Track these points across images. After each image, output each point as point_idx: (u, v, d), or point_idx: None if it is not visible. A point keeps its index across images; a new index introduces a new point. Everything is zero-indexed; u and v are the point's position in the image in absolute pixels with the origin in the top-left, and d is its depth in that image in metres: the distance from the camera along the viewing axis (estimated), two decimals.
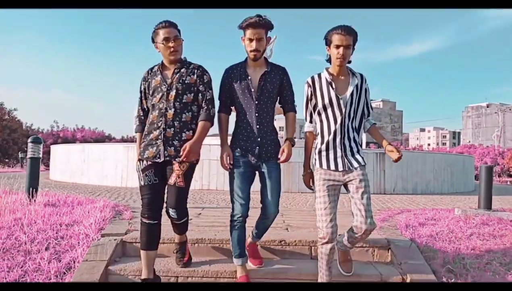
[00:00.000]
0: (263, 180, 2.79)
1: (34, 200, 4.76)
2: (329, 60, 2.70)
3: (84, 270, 2.85)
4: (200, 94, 2.74)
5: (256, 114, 2.74)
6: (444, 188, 10.14)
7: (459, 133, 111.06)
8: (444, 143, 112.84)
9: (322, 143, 2.70)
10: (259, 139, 2.74)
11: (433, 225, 4.24)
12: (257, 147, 2.74)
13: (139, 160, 2.76)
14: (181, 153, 2.59)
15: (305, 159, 2.81)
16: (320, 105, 2.70)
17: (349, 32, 2.56)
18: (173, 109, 2.66)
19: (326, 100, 2.67)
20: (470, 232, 3.97)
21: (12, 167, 21.83)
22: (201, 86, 2.73)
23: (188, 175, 2.68)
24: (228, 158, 2.71)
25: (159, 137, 2.67)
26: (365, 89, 2.74)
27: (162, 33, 2.65)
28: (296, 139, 2.92)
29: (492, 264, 3.20)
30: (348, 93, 2.65)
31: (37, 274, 2.91)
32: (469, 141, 77.74)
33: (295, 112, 2.91)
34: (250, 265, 2.97)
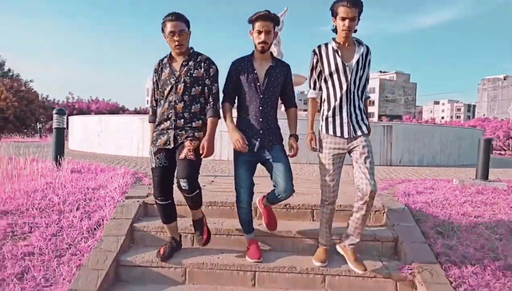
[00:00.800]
0: (272, 166, 2.89)
1: (61, 167, 5.17)
2: (335, 30, 2.79)
3: (112, 227, 3.26)
4: (206, 88, 2.85)
5: (260, 108, 2.86)
6: (451, 160, 10.31)
7: (474, 106, 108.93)
8: (458, 117, 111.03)
9: (329, 109, 2.82)
10: (261, 131, 2.87)
11: (430, 193, 4.53)
12: (259, 139, 2.87)
13: (151, 143, 2.93)
14: (200, 150, 2.76)
15: (309, 121, 2.95)
16: (326, 72, 2.79)
17: (355, 4, 2.62)
18: (182, 103, 2.80)
19: (333, 67, 2.76)
20: (464, 200, 4.25)
21: (31, 137, 22.50)
22: (207, 80, 2.84)
23: (198, 151, 2.80)
24: (242, 139, 2.78)
25: (170, 127, 2.82)
26: (369, 60, 2.83)
27: (169, 26, 2.73)
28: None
29: (479, 227, 3.51)
30: (354, 60, 2.75)
31: (71, 229, 3.33)
32: (484, 115, 76.39)
33: (296, 107, 3.07)
34: (264, 227, 3.23)
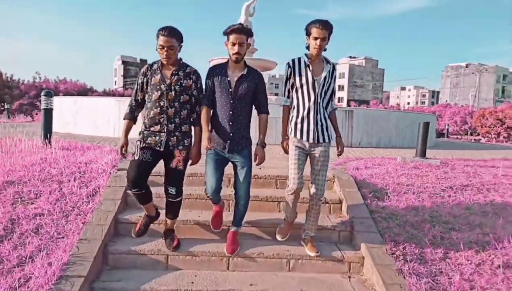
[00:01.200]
0: (236, 169, 3.23)
1: (50, 145, 5.66)
2: (308, 48, 3.17)
3: (109, 193, 3.89)
4: (193, 98, 3.14)
5: (230, 112, 3.09)
6: (405, 143, 11.36)
7: (438, 92, 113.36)
8: (423, 102, 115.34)
9: (297, 117, 3.19)
10: (231, 134, 3.11)
11: (376, 168, 5.39)
12: (228, 141, 3.12)
13: (140, 139, 3.10)
14: (188, 159, 3.14)
15: (283, 128, 3.29)
16: (298, 84, 3.15)
17: (326, 27, 3.02)
18: (173, 109, 3.06)
19: (303, 80, 3.13)
20: (402, 173, 5.14)
21: None
22: (195, 91, 3.14)
23: (186, 160, 3.17)
24: (208, 140, 3.01)
25: (162, 131, 3.07)
26: (335, 76, 3.24)
27: (160, 40, 2.96)
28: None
29: (408, 193, 4.39)
30: (322, 76, 3.13)
31: (72, 195, 3.92)
32: (446, 101, 79.89)
33: (268, 114, 3.26)
34: (225, 252, 3.31)
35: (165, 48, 2.96)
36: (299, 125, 3.19)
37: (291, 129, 3.24)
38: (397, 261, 3.23)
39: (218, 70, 3.15)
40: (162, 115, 3.06)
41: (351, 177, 4.58)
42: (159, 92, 3.05)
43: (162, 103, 3.06)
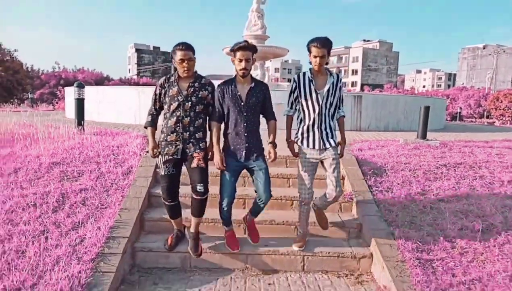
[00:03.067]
0: (254, 173, 3.38)
1: (84, 131, 6.31)
2: (311, 63, 3.35)
3: (142, 171, 4.51)
4: (210, 107, 3.36)
5: (245, 124, 3.28)
6: (413, 126, 11.65)
7: (455, 75, 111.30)
8: (439, 85, 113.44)
9: (303, 127, 3.43)
10: (247, 144, 3.31)
11: (379, 149, 5.87)
12: (245, 151, 3.31)
13: (159, 153, 3.35)
14: (207, 157, 3.35)
15: (287, 133, 3.56)
16: (302, 98, 3.38)
17: (323, 45, 3.23)
18: (188, 118, 3.26)
19: (308, 94, 3.35)
20: (402, 153, 5.62)
21: (16, 107, 22.93)
22: (212, 100, 3.34)
23: (206, 158, 3.35)
24: (221, 161, 3.27)
25: (178, 139, 3.29)
26: (340, 86, 3.43)
27: (179, 54, 3.17)
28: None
29: (405, 170, 4.88)
30: (325, 89, 3.33)
31: (110, 174, 4.55)
32: (463, 84, 78.71)
33: (275, 120, 3.47)
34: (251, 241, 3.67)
35: (185, 61, 3.18)
36: (305, 135, 3.44)
37: (299, 140, 3.50)
38: (390, 226, 3.77)
39: (227, 86, 3.31)
40: (178, 125, 3.27)
41: (353, 157, 5.10)
42: (177, 103, 3.25)
43: (178, 113, 3.26)
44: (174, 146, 3.30)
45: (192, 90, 3.28)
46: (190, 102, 3.26)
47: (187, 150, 3.32)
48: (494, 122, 26.18)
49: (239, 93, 3.27)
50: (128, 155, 5.03)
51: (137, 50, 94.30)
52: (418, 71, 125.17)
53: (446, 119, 23.19)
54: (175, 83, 3.30)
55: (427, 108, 6.48)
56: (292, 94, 3.49)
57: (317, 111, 3.37)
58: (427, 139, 6.50)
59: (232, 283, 3.39)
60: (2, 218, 3.65)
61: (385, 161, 5.16)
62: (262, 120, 3.48)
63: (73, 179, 4.47)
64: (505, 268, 3.18)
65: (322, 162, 3.48)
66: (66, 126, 6.61)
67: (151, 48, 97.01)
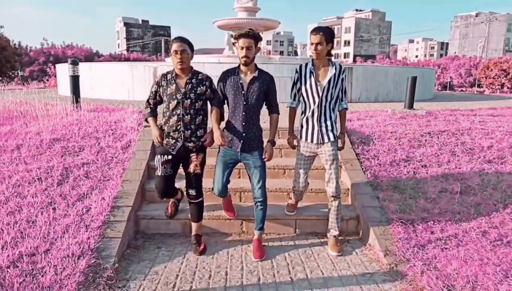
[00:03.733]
0: (249, 169, 3.37)
1: (80, 108, 6.44)
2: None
3: (140, 145, 4.71)
4: (209, 101, 3.37)
5: (243, 113, 3.23)
6: (403, 96, 11.83)
7: (447, 44, 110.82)
8: (432, 55, 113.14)
9: (303, 118, 3.42)
10: (244, 134, 3.25)
11: (368, 120, 6.11)
12: (241, 141, 3.27)
13: (158, 153, 3.38)
14: (204, 141, 3.34)
15: (289, 126, 3.55)
16: (303, 89, 3.33)
17: (319, 31, 3.17)
18: (189, 116, 3.26)
19: (308, 85, 3.29)
20: (389, 123, 5.86)
21: (6, 84, 22.69)
22: (212, 94, 3.34)
23: (203, 163, 3.43)
24: (222, 137, 3.20)
25: (180, 138, 3.29)
26: (342, 78, 3.33)
27: (173, 46, 3.19)
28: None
29: (391, 139, 5.14)
30: (326, 80, 3.26)
31: (110, 148, 4.74)
32: (455, 53, 78.51)
33: (278, 114, 3.39)
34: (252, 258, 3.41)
35: (179, 52, 3.15)
36: (304, 127, 3.41)
37: (298, 131, 3.49)
38: (375, 190, 4.05)
39: (230, 74, 3.29)
40: (179, 123, 3.26)
41: None
42: (175, 101, 3.24)
43: (178, 112, 3.25)
44: (174, 141, 3.31)
45: (190, 87, 3.26)
46: (189, 100, 3.25)
47: (187, 148, 3.32)
48: (484, 91, 26.49)
49: (241, 82, 3.24)
50: (126, 130, 5.21)
51: (125, 24, 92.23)
52: (411, 41, 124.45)
53: (437, 89, 23.43)
54: (173, 81, 3.28)
55: (414, 79, 6.69)
56: (294, 86, 3.43)
57: (317, 103, 3.30)
58: (414, 109, 6.74)
59: (229, 245, 3.67)
60: (10, 191, 3.86)
61: (373, 130, 5.40)
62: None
63: (75, 153, 4.66)
64: (479, 225, 3.49)
65: (318, 156, 3.47)
66: (63, 104, 6.75)
67: (140, 22, 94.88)
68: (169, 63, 11.39)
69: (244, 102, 3.23)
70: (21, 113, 6.11)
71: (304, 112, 3.42)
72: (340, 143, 3.49)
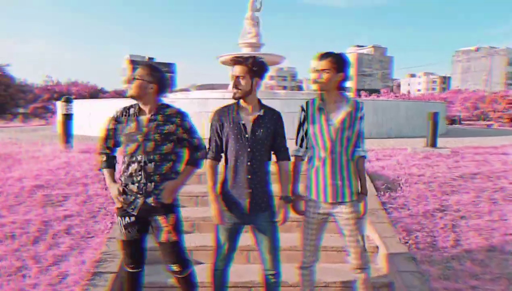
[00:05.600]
0: (256, 236, 2.61)
1: (71, 149, 5.91)
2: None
3: None
4: (185, 142, 2.55)
5: (249, 163, 2.49)
6: (416, 131, 11.39)
7: (449, 78, 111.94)
8: (433, 89, 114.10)
9: (312, 168, 2.59)
10: (250, 190, 2.50)
11: (387, 159, 5.52)
12: (247, 199, 2.50)
13: (119, 214, 2.60)
14: (179, 224, 2.56)
15: (292, 184, 2.64)
16: (310, 131, 2.57)
17: (323, 58, 2.51)
18: (153, 163, 2.46)
19: (316, 126, 2.55)
20: (412, 163, 5.26)
21: (9, 121, 22.60)
22: (184, 134, 2.53)
23: (178, 227, 2.56)
24: (220, 215, 2.52)
25: (140, 193, 2.48)
26: (360, 117, 2.56)
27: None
28: None
29: (418, 183, 4.51)
30: (339, 119, 2.51)
31: (98, 197, 4.15)
32: (457, 86, 78.92)
33: (289, 160, 2.63)
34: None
35: (133, 78, 2.49)
36: (314, 181, 2.58)
37: (307, 185, 2.63)
38: (410, 250, 3.38)
39: (228, 112, 2.54)
40: (140, 173, 2.47)
41: None
42: (135, 143, 2.46)
43: (139, 158, 2.46)
44: (133, 196, 2.50)
45: (153, 125, 2.47)
46: (153, 142, 2.45)
47: (149, 205, 2.48)
48: (492, 124, 26.00)
49: (242, 122, 2.50)
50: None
51: (132, 62, 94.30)
52: (413, 75, 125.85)
53: (446, 123, 22.95)
54: (134, 118, 2.52)
55: (435, 115, 6.15)
56: (301, 128, 2.64)
57: (329, 149, 2.52)
58: (437, 147, 6.15)
59: None
60: None
61: (396, 173, 4.79)
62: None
63: (58, 203, 4.06)
64: None
65: (335, 216, 2.60)
66: (53, 144, 6.25)
67: (146, 59, 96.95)
68: (171, 98, 11.02)
69: (249, 149, 2.48)
70: (5, 156, 5.57)
71: (311, 161, 2.61)
72: (360, 207, 2.59)
